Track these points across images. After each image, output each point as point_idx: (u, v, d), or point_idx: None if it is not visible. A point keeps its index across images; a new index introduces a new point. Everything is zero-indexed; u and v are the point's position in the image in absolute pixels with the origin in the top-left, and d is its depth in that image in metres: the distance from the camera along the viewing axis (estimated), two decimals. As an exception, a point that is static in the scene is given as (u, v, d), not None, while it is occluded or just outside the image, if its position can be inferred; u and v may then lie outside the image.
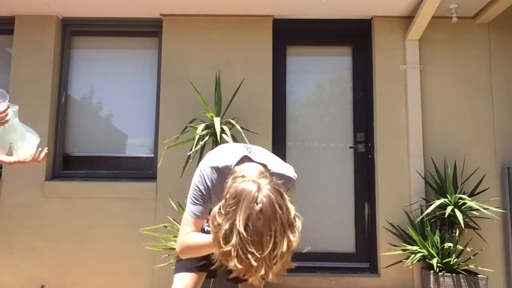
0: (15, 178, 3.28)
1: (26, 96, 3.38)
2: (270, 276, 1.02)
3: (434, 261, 2.80)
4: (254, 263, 1.00)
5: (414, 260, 2.89)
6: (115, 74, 3.58)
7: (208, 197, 1.39)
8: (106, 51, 3.61)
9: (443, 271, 2.83)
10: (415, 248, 2.95)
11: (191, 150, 2.90)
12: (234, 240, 1.02)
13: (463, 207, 2.93)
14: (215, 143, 2.92)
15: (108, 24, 3.57)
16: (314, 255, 3.39)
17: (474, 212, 2.97)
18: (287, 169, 1.41)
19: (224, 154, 1.40)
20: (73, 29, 3.60)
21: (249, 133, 3.23)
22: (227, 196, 1.10)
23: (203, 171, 1.38)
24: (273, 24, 3.48)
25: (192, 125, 3.03)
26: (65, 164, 3.48)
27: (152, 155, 3.42)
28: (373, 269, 3.31)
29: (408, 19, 3.40)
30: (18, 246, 3.22)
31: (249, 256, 1.00)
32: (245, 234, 1.01)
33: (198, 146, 2.88)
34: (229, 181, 1.14)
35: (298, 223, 1.07)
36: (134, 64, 3.59)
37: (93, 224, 3.23)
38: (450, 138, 3.32)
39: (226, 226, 1.04)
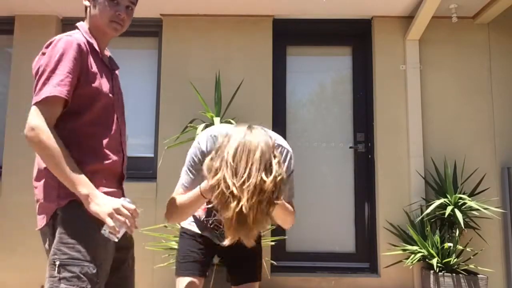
0: (15, 178, 3.28)
1: (26, 96, 3.38)
2: (244, 209, 1.11)
3: (434, 261, 2.80)
4: (234, 191, 1.13)
5: (414, 260, 2.89)
6: (115, 74, 3.58)
7: (200, 166, 1.41)
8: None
9: (443, 271, 2.83)
10: (415, 248, 2.95)
11: (191, 150, 2.90)
12: (220, 172, 1.16)
13: (463, 207, 2.93)
14: (215, 143, 2.92)
15: (108, 24, 3.56)
16: (314, 255, 3.40)
17: (474, 212, 2.97)
18: (286, 144, 1.51)
19: (223, 127, 1.46)
20: (73, 29, 3.60)
21: (249, 133, 3.23)
22: (220, 140, 1.24)
23: (199, 139, 1.46)
24: (273, 24, 3.48)
25: (192, 125, 3.03)
26: (65, 164, 3.47)
27: (152, 155, 3.42)
28: (373, 269, 3.31)
29: (408, 19, 3.40)
30: (18, 246, 3.22)
31: (230, 184, 1.13)
32: (231, 161, 1.15)
33: (198, 146, 2.87)
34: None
35: (276, 171, 1.18)
36: (134, 64, 3.59)
37: (93, 224, 3.23)
38: (450, 138, 3.32)
39: (217, 163, 1.19)
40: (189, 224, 1.71)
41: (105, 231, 1.19)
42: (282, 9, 3.36)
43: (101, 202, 1.20)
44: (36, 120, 1.20)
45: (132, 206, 1.23)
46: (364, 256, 3.40)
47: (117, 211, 1.20)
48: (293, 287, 3.16)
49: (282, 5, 3.28)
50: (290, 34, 3.61)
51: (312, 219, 3.44)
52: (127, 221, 1.20)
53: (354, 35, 3.63)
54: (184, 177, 1.48)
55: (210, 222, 1.67)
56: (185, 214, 1.46)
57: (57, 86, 1.21)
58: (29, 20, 3.46)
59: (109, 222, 1.18)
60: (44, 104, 1.21)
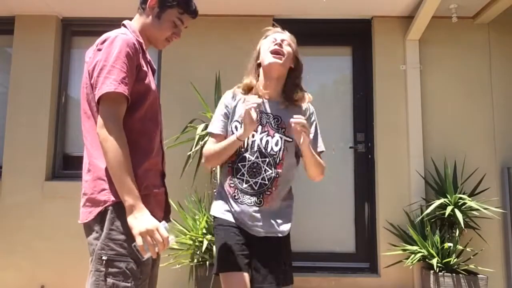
0: (15, 178, 3.28)
1: (26, 96, 3.38)
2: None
3: (434, 261, 2.80)
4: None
5: (414, 260, 2.89)
6: (115, 74, 3.58)
7: (228, 111, 1.77)
8: (106, 51, 3.61)
9: (443, 271, 2.83)
10: (415, 248, 2.95)
11: (191, 150, 2.90)
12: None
13: (463, 207, 2.93)
14: (215, 143, 2.91)
15: (108, 24, 3.53)
16: (314, 255, 3.39)
17: (474, 212, 2.96)
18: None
19: None
20: (73, 29, 3.60)
21: (249, 133, 3.23)
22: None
23: (226, 93, 1.87)
24: (273, 24, 3.47)
25: (192, 125, 3.03)
26: (65, 164, 3.48)
27: (152, 155, 3.42)
28: (373, 269, 3.31)
29: (408, 19, 3.39)
30: (18, 246, 3.22)
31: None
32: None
33: (198, 146, 2.88)
34: None
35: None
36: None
37: (93, 224, 3.23)
38: (450, 138, 3.31)
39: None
40: (223, 213, 1.67)
41: (135, 246, 1.20)
42: (282, 9, 3.36)
43: (140, 218, 1.20)
44: (107, 118, 1.21)
45: (166, 234, 1.22)
46: (364, 256, 3.39)
47: (150, 233, 1.19)
48: (293, 287, 3.15)
49: (282, 5, 3.28)
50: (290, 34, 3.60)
51: (312, 219, 3.44)
52: (155, 247, 1.20)
53: (354, 35, 3.62)
54: (215, 123, 1.75)
55: (237, 184, 1.64)
56: (222, 155, 1.66)
57: (121, 84, 1.23)
58: (29, 20, 3.46)
59: (139, 241, 1.18)
60: (113, 101, 1.23)
